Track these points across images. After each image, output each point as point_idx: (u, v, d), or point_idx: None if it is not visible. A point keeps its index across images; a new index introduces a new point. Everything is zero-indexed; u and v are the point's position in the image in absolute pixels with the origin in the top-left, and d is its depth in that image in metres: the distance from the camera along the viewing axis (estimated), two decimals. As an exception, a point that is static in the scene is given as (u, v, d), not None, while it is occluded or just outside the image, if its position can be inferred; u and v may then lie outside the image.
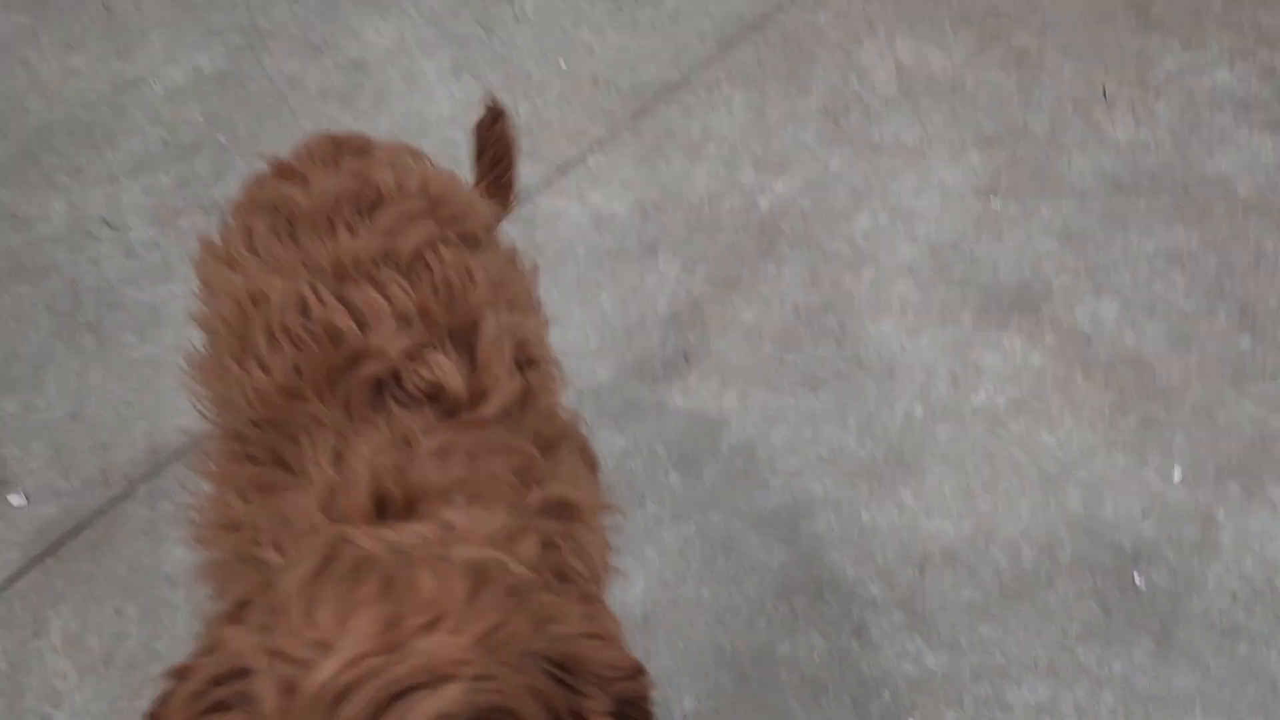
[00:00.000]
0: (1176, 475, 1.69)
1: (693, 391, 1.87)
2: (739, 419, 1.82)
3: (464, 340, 1.01)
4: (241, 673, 0.57)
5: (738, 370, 1.89)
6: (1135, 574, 1.57)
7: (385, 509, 0.85)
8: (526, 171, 2.30)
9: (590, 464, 1.20)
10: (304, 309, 0.99)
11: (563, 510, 0.95)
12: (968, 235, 2.07)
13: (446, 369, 0.96)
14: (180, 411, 1.87)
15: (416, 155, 1.27)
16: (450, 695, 0.56)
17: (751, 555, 1.65)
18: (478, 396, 0.97)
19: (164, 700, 0.60)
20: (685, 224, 2.15)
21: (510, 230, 2.17)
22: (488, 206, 1.26)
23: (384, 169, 1.16)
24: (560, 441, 1.05)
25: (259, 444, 0.97)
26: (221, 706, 0.56)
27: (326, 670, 0.55)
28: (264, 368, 0.98)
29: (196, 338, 1.16)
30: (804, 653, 1.53)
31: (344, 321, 0.98)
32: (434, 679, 0.57)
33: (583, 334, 1.96)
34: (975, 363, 1.87)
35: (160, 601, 1.65)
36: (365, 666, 0.56)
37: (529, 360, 1.06)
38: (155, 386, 1.90)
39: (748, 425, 1.81)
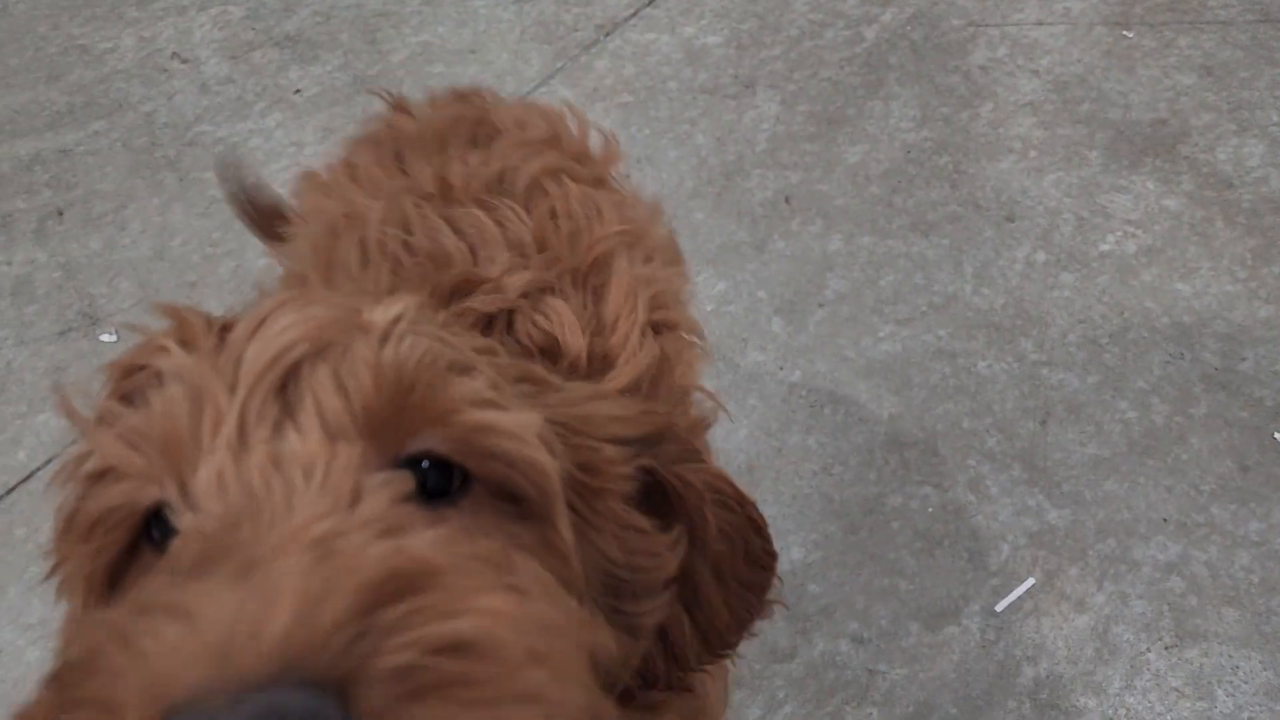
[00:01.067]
0: (1324, 328, 1.57)
1: (795, 235, 1.77)
2: (844, 264, 1.72)
3: (588, 285, 0.83)
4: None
5: (843, 213, 1.78)
6: (1276, 431, 1.47)
7: None
8: (613, 2, 2.15)
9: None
10: (405, 227, 0.84)
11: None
12: (1096, 69, 1.90)
13: (566, 321, 0.78)
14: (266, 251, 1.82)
15: (546, 115, 1.09)
16: (403, 320, 0.51)
17: (860, 405, 1.57)
18: (602, 362, 0.79)
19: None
20: (785, 58, 2.00)
21: (598, 65, 2.04)
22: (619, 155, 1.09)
23: (504, 112, 1.01)
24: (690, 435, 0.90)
25: None
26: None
27: (274, 325, 0.52)
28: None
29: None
30: (917, 505, 1.47)
31: (452, 243, 0.82)
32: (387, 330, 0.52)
33: (677, 175, 1.85)
34: (1104, 206, 1.73)
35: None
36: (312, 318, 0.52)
37: (666, 323, 0.87)
38: (239, 225, 1.84)
39: (854, 270, 1.71)
